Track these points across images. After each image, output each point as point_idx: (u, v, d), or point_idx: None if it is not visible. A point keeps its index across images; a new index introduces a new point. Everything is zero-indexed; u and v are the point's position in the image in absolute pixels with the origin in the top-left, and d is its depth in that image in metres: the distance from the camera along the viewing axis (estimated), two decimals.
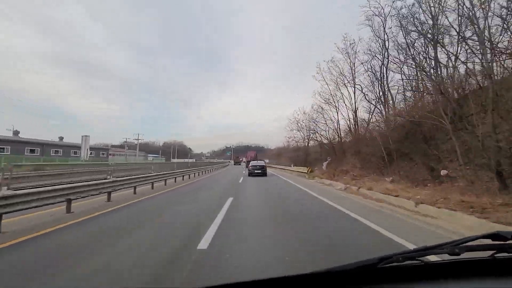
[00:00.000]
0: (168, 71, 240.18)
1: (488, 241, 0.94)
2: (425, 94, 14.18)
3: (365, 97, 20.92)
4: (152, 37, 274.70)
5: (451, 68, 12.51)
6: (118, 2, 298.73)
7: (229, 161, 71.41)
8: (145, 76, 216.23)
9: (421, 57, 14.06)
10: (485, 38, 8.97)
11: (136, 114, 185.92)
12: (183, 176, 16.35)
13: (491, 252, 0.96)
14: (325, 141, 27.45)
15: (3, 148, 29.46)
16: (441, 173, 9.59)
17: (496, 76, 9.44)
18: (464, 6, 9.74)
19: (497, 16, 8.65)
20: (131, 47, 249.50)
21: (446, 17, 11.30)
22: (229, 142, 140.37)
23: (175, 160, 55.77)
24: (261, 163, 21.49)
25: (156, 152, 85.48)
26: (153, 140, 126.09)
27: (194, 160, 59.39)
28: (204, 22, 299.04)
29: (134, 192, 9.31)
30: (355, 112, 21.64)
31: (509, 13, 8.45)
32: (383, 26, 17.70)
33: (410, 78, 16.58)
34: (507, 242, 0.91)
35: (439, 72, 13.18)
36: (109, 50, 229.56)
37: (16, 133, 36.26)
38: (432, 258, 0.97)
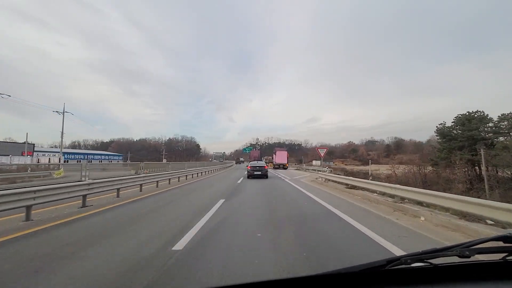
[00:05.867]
0: (205, 75, 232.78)
1: (499, 244, 0.92)
2: None
3: None
4: (189, 42, 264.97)
5: None
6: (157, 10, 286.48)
7: (234, 162, 65.37)
8: (182, 82, 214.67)
9: None
10: None
11: (173, 118, 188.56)
12: None
13: (502, 255, 0.95)
14: None
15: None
16: None
17: None
18: None
19: None
20: (170, 53, 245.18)
21: None
22: (259, 141, 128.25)
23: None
24: (261, 163, 20.96)
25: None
26: (158, 137, 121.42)
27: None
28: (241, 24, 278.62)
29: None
30: None
31: None
32: None
33: None
34: None
35: None
36: (147, 56, 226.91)
37: None
38: (441, 260, 0.95)
